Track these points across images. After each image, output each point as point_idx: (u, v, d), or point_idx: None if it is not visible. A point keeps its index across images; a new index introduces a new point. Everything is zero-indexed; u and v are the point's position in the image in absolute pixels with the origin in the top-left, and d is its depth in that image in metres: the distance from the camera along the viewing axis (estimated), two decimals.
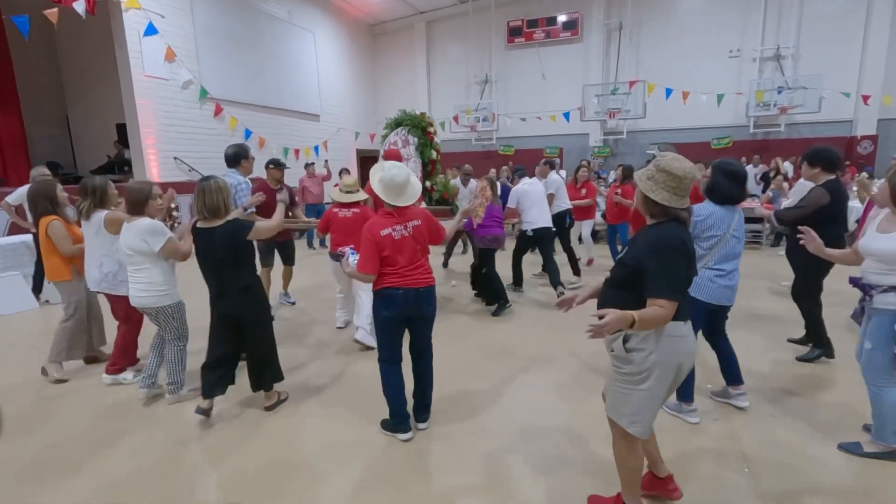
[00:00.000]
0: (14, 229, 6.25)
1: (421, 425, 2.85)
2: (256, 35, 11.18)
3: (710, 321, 2.86)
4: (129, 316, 3.38)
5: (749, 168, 10.38)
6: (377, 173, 2.68)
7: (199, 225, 2.82)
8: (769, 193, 8.14)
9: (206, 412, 2.87)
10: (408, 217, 2.67)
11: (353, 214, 4.06)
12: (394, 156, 4.56)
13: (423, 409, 2.88)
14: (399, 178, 2.62)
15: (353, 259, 2.78)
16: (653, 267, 1.70)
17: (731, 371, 2.96)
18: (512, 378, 3.52)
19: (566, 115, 12.88)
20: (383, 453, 2.62)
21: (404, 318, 2.69)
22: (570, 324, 4.56)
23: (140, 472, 2.48)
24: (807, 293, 3.62)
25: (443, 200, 5.56)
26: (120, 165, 9.72)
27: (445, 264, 7.28)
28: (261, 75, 11.35)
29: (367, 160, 14.60)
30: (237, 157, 3.62)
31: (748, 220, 5.89)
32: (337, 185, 4.23)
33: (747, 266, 2.88)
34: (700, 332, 2.82)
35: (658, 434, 2.17)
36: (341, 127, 14.35)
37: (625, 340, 1.78)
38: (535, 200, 5.34)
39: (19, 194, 5.36)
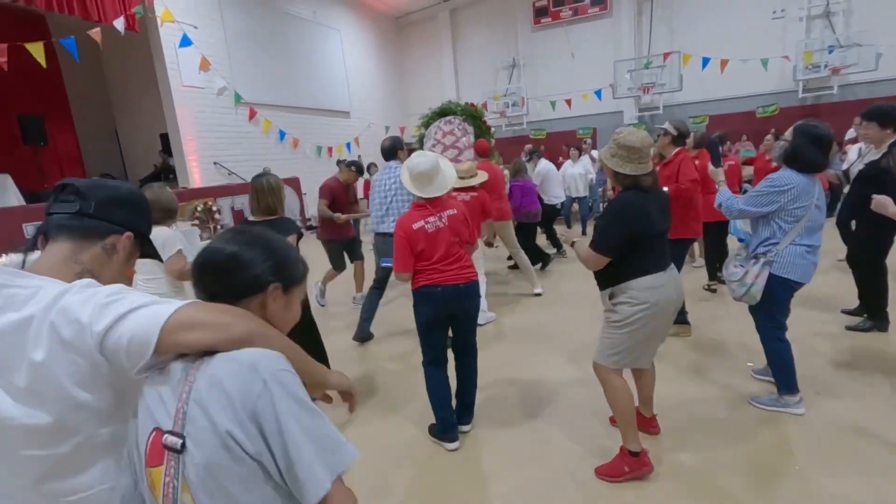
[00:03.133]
0: None
1: (464, 427, 2.70)
2: (284, 37, 11.43)
3: None
4: None
5: None
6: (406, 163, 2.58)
7: (250, 219, 2.83)
8: None
9: None
10: (442, 207, 2.50)
11: (471, 199, 4.10)
12: (483, 147, 4.97)
13: (465, 409, 2.73)
14: (422, 167, 2.43)
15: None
16: (598, 225, 2.12)
17: None
18: (554, 366, 3.51)
19: (598, 94, 12.50)
20: (429, 461, 2.52)
21: (446, 316, 2.54)
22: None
23: None
24: (870, 260, 3.36)
25: None
26: (165, 173, 10.24)
27: None
28: (291, 76, 11.62)
29: None
30: (394, 149, 3.79)
31: None
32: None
33: None
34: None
35: (700, 419, 2.11)
36: (371, 122, 14.50)
37: (611, 297, 2.11)
38: (556, 179, 6.68)
39: None
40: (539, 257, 6.07)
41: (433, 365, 2.61)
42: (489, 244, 4.65)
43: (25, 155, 9.03)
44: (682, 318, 3.68)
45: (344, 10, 13.46)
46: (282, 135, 11.23)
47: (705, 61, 10.91)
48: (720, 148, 4.95)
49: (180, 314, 0.82)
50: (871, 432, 2.36)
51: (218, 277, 0.91)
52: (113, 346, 0.79)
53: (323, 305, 5.19)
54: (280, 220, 2.79)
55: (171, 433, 0.78)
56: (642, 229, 2.01)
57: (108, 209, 0.98)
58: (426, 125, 6.58)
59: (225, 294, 0.90)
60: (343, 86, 13.39)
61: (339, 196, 4.84)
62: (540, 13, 13.90)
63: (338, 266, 5.00)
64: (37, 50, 6.44)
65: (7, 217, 6.20)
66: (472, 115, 6.24)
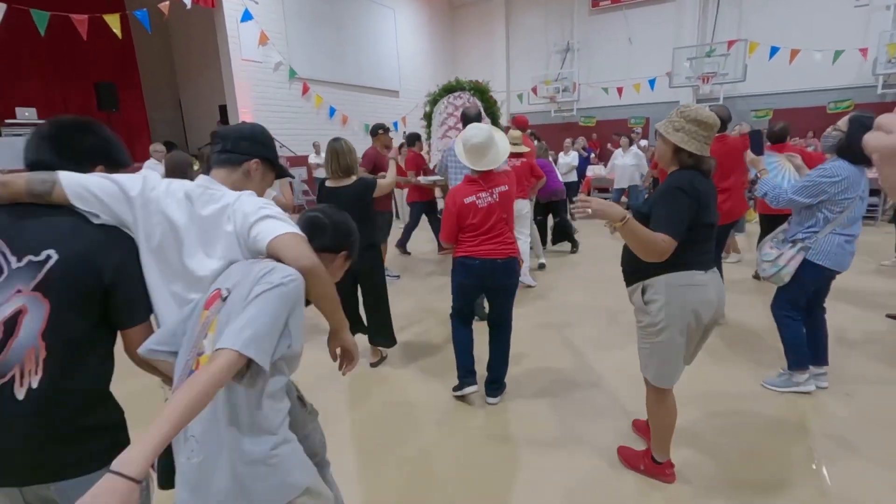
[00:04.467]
0: None
1: (491, 400, 2.76)
2: (340, 15, 11.62)
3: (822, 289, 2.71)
4: None
5: None
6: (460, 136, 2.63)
7: (328, 184, 3.00)
8: None
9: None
10: (494, 182, 2.54)
11: (521, 163, 4.56)
12: (522, 121, 5.13)
13: (494, 383, 2.78)
14: (475, 139, 2.45)
15: None
16: (660, 207, 1.80)
17: (818, 347, 2.76)
18: (588, 352, 3.54)
19: (651, 83, 12.03)
20: (455, 420, 2.68)
21: (481, 287, 2.67)
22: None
23: None
24: None
25: None
26: None
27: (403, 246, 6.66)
28: (344, 54, 11.82)
29: None
30: (480, 116, 4.05)
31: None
32: None
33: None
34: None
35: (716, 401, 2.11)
36: (419, 102, 14.55)
37: (643, 292, 1.89)
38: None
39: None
40: (570, 238, 6.43)
41: (459, 318, 2.78)
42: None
43: (100, 120, 9.69)
44: None
45: None
46: (332, 111, 11.50)
47: (773, 50, 10.27)
48: (786, 139, 4.73)
49: (286, 237, 1.15)
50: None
51: (313, 235, 1.25)
52: (252, 234, 1.17)
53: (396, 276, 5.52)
54: (361, 181, 2.97)
55: (227, 289, 1.08)
56: (697, 214, 1.78)
57: (238, 144, 1.35)
58: (433, 103, 6.82)
59: (314, 245, 1.21)
60: (394, 65, 13.49)
61: (381, 163, 4.88)
62: None
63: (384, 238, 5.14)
64: (113, 22, 6.89)
65: None
66: (480, 90, 6.59)
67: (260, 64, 9.81)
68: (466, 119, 3.88)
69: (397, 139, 10.41)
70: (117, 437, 1.16)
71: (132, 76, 10.69)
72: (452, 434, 2.54)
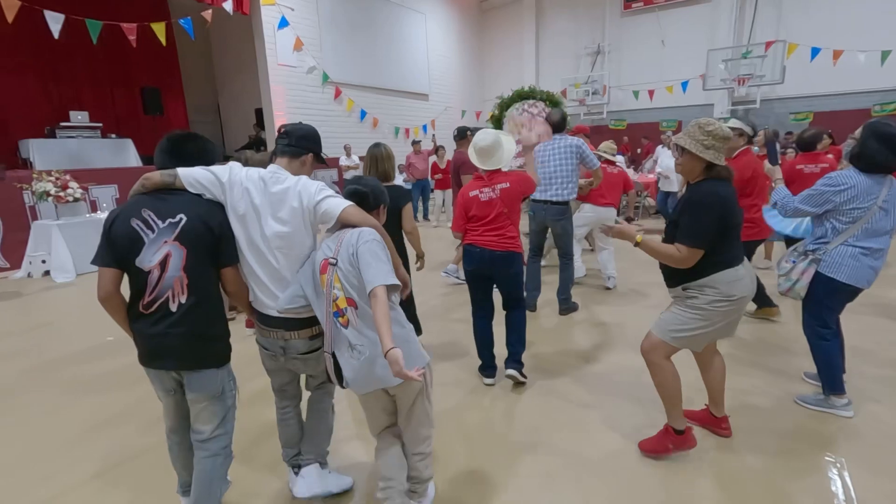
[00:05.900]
0: None
1: (509, 371, 2.94)
2: (372, 20, 11.88)
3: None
4: None
5: None
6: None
7: None
8: None
9: None
10: (497, 180, 2.78)
11: (618, 171, 4.83)
12: (583, 129, 5.25)
13: (512, 357, 2.98)
14: (482, 143, 2.74)
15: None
16: (686, 217, 1.98)
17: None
18: (610, 351, 3.58)
19: (683, 86, 11.81)
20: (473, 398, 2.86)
21: (484, 275, 2.89)
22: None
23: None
24: None
25: None
26: (257, 145, 11.13)
27: None
28: (376, 58, 12.07)
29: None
30: (564, 122, 4.13)
31: None
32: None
33: (892, 251, 2.56)
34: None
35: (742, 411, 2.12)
36: (448, 105, 14.72)
37: (684, 289, 2.08)
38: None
39: None
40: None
41: (477, 315, 3.05)
42: (630, 219, 4.80)
43: (145, 123, 10.23)
44: (770, 301, 3.80)
45: None
46: (363, 114, 11.75)
47: (814, 52, 9.95)
48: (816, 146, 4.63)
49: (349, 208, 1.68)
50: None
51: (359, 200, 1.76)
52: (320, 209, 1.68)
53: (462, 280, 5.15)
54: (394, 187, 3.04)
55: (332, 258, 1.63)
56: (730, 219, 1.97)
57: (301, 141, 1.83)
58: (502, 107, 6.93)
59: (362, 206, 1.75)
60: (424, 69, 13.68)
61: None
62: None
63: None
64: (159, 29, 7.27)
65: (128, 176, 7.13)
66: (553, 101, 6.75)
67: (294, 69, 10.13)
68: (555, 126, 4.11)
69: (426, 143, 10.60)
70: (227, 348, 1.76)
71: (175, 81, 11.21)
72: (470, 409, 2.62)
